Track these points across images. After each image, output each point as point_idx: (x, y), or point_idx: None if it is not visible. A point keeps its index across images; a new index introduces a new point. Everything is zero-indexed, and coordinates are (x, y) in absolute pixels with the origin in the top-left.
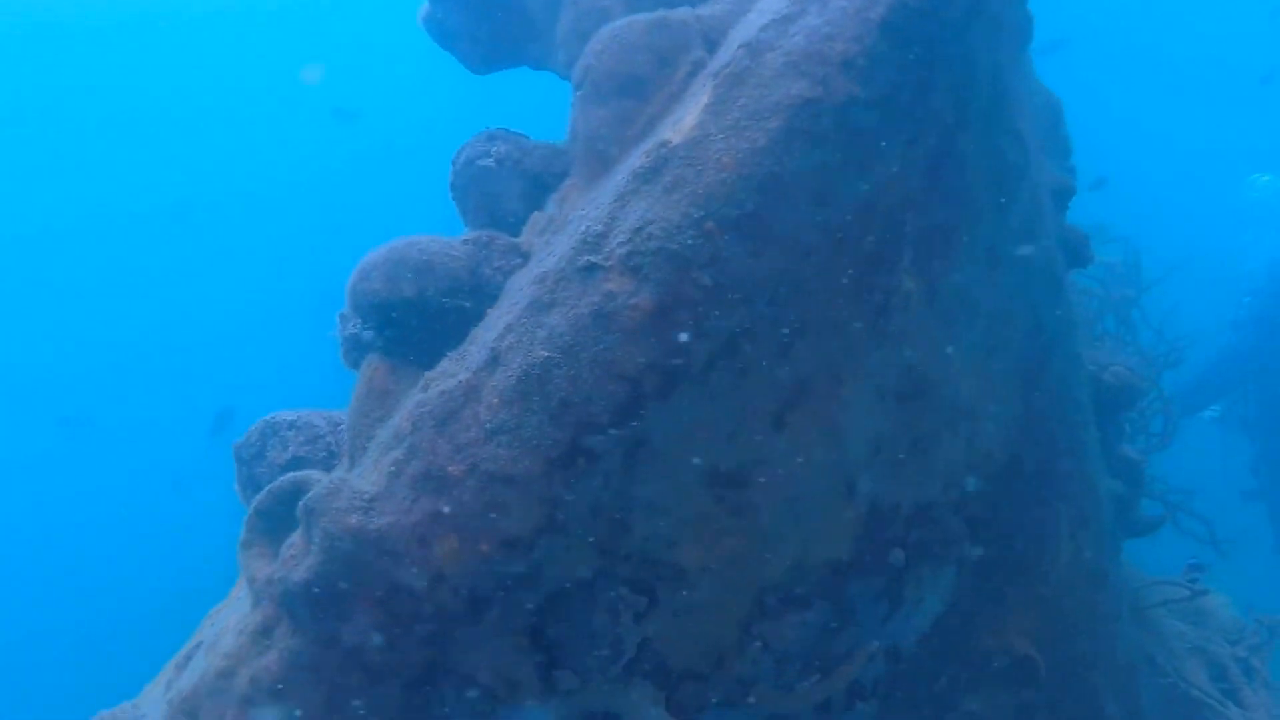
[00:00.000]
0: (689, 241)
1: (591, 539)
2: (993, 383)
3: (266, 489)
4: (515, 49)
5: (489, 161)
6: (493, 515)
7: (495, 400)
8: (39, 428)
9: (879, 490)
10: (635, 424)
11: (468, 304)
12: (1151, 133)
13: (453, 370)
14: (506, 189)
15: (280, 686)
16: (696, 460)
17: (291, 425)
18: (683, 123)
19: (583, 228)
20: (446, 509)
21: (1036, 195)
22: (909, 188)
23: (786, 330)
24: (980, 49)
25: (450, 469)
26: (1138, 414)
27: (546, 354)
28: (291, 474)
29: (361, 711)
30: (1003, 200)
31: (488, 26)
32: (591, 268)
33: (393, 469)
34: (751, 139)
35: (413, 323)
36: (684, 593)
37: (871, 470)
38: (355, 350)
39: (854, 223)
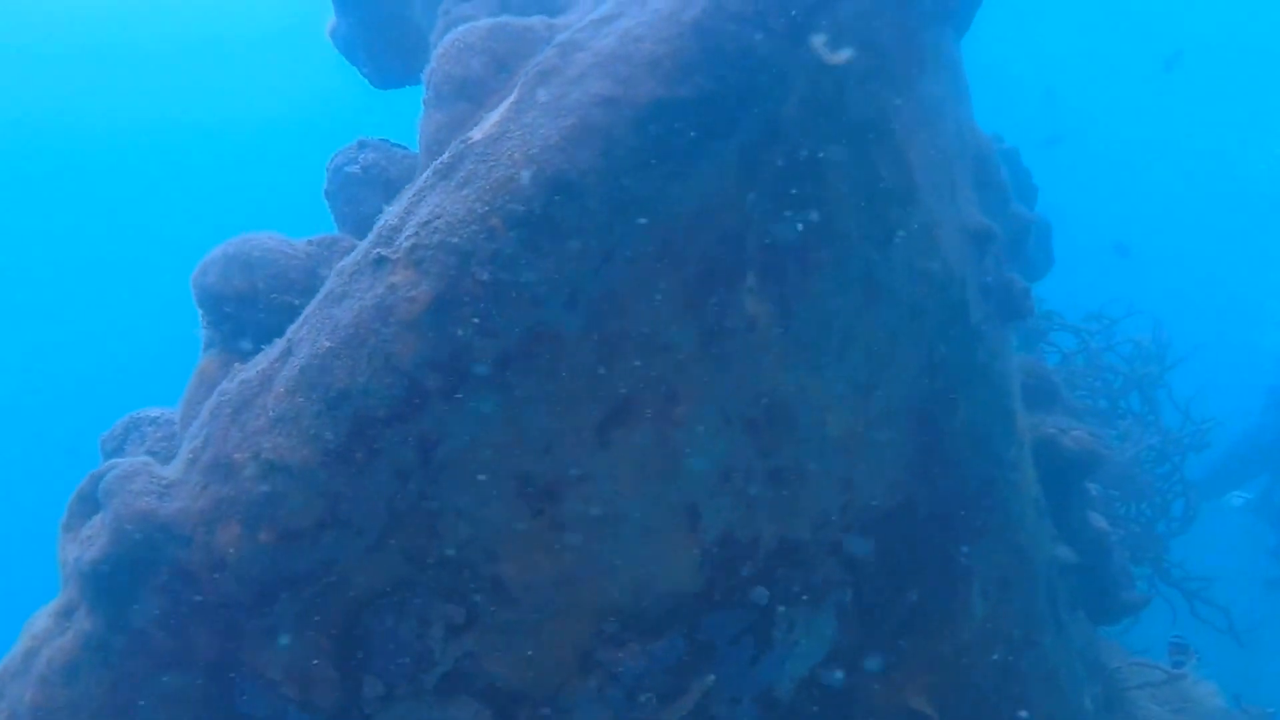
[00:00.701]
0: (471, 236)
1: (394, 542)
2: (874, 421)
3: (89, 473)
4: (408, 63)
5: (355, 169)
6: (272, 505)
7: (281, 389)
8: None
9: (732, 521)
10: (419, 422)
11: (297, 301)
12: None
13: (259, 361)
14: (369, 195)
15: (72, 668)
16: (507, 469)
17: (153, 421)
18: (487, 121)
19: (380, 222)
20: (230, 496)
21: (932, 231)
22: (744, 203)
23: (596, 339)
24: (837, 68)
25: (236, 456)
26: (1159, 496)
27: (329, 344)
28: (113, 460)
29: (144, 701)
30: (880, 230)
31: (381, 41)
32: (381, 261)
33: (190, 456)
34: (545, 136)
35: (244, 317)
36: (508, 609)
37: (721, 499)
38: (206, 345)
39: (671, 233)
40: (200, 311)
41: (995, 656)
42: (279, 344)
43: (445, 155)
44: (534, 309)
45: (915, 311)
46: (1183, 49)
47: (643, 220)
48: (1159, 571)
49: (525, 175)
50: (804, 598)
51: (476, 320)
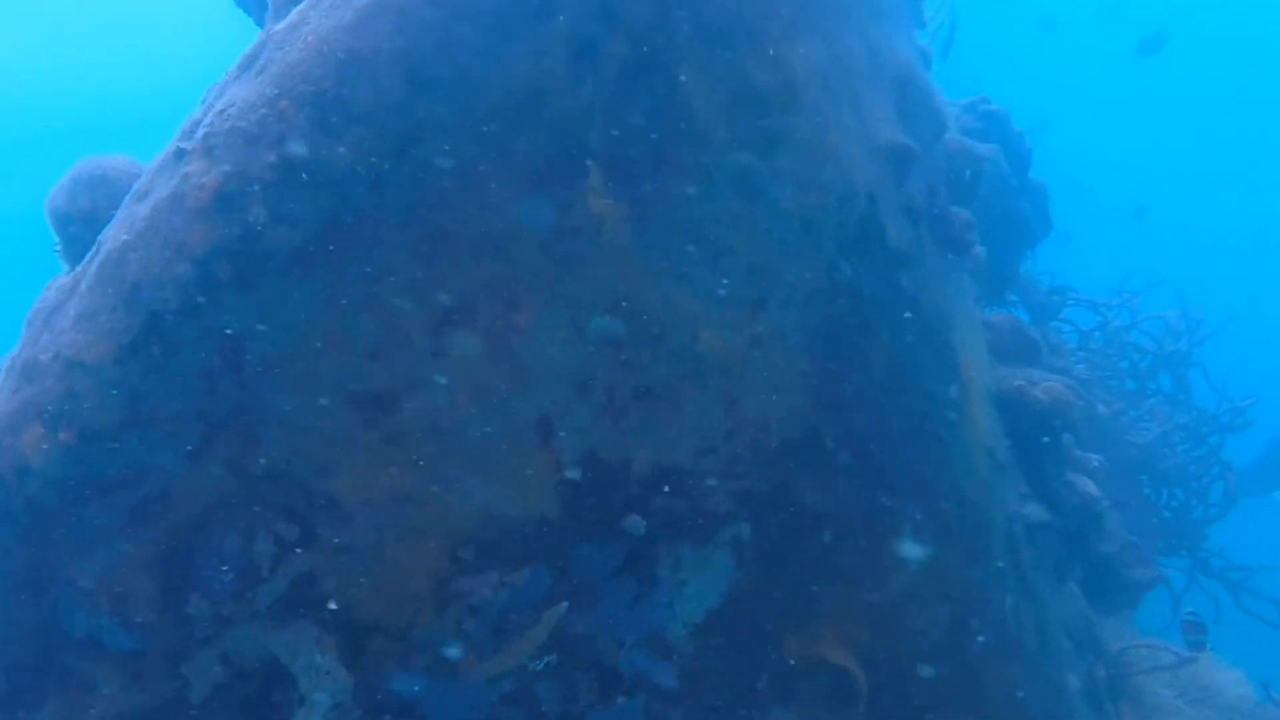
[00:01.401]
0: (260, 120)
1: (215, 452)
2: (762, 341)
3: None
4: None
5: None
6: (70, 402)
7: (84, 288)
8: None
9: (595, 441)
10: (216, 316)
11: None
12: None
13: (78, 270)
14: None
15: None
16: (331, 376)
17: None
18: (295, 10)
19: (187, 118)
20: (33, 397)
21: (825, 140)
22: (582, 92)
23: (417, 234)
24: None
25: (41, 357)
26: (1194, 481)
27: (126, 238)
28: None
29: None
30: (757, 134)
31: None
32: (180, 153)
33: (9, 364)
34: (340, 17)
35: (89, 238)
36: (344, 528)
37: (578, 416)
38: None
39: (490, 119)
40: (55, 236)
41: (940, 612)
42: (94, 248)
43: (249, 47)
44: (330, 194)
45: (807, 225)
46: (1164, 31)
47: (449, 102)
48: (1197, 561)
49: (315, 56)
50: (690, 531)
51: (267, 205)
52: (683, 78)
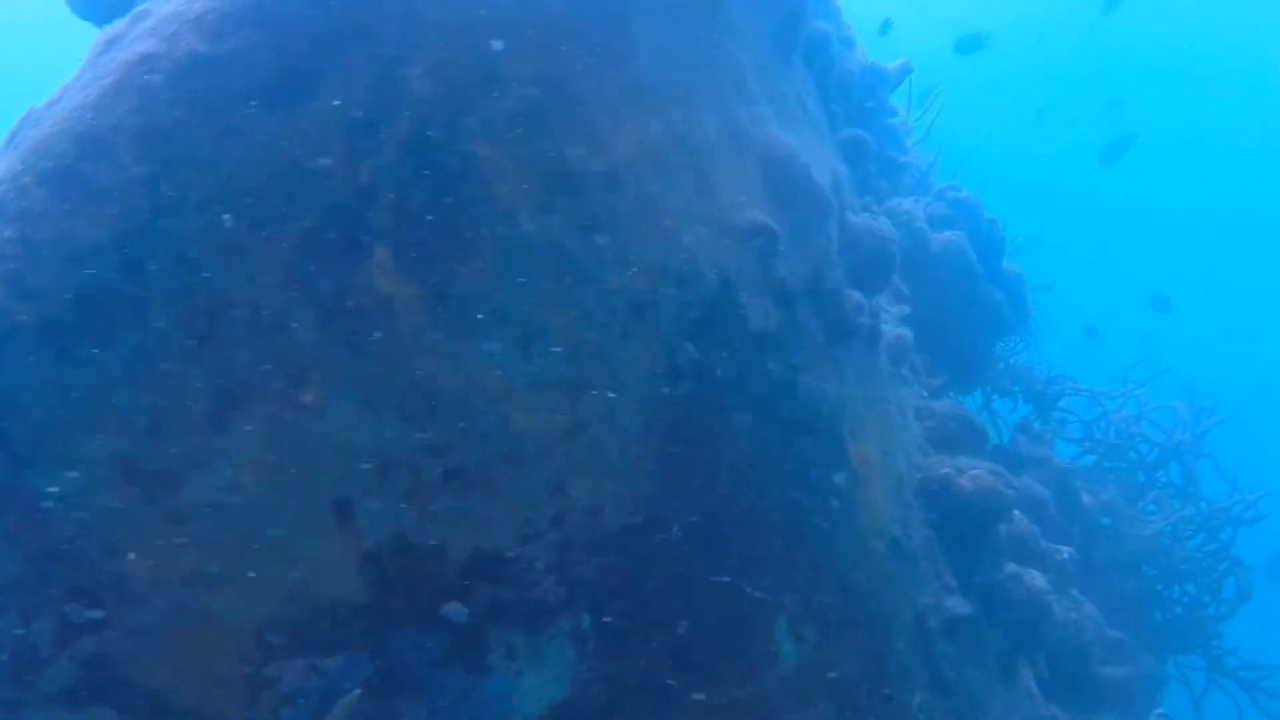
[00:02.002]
0: (2, 195)
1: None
2: (590, 425)
3: None
4: None
5: None
6: None
7: None
8: None
9: (404, 525)
10: None
11: None
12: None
13: None
14: None
15: None
16: (107, 451)
17: None
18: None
19: None
20: None
21: (660, 221)
22: (362, 171)
23: (186, 310)
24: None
25: None
26: (1205, 575)
27: None
28: None
29: None
30: (575, 213)
31: None
32: None
33: None
34: (85, 95)
35: None
36: (139, 609)
37: (381, 498)
38: None
39: (251, 199)
40: None
41: (823, 709)
42: None
43: (14, 124)
44: (75, 268)
45: (638, 306)
46: (1133, 133)
47: (200, 180)
48: (1211, 660)
49: (59, 132)
50: (521, 620)
51: (7, 282)
52: (481, 156)
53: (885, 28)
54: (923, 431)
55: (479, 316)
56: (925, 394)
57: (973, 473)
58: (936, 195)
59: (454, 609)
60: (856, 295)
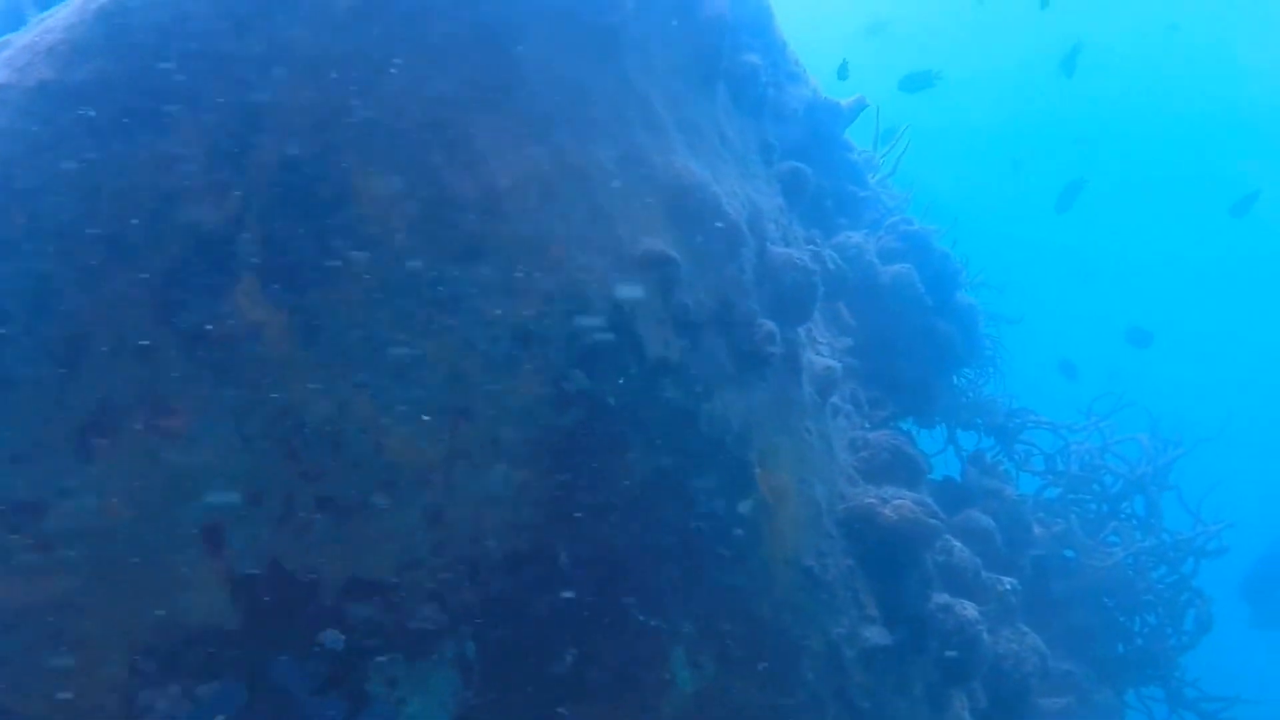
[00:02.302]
0: None
1: None
2: (470, 453)
3: None
4: None
5: None
6: None
7: None
8: None
9: (278, 552)
10: None
11: None
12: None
13: None
14: None
15: None
16: None
17: None
18: None
19: None
20: None
21: (545, 252)
22: (228, 199)
23: (45, 337)
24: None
25: None
26: (1165, 606)
27: None
28: None
29: None
30: (455, 242)
31: None
32: None
33: None
34: None
35: None
36: (6, 637)
37: (253, 525)
38: None
39: (109, 227)
40: None
41: None
42: None
43: None
44: None
45: (523, 334)
46: (1084, 179)
47: (55, 208)
48: (1171, 691)
49: None
50: (401, 647)
51: None
52: (354, 185)
53: (843, 71)
54: (858, 462)
55: (352, 344)
56: (868, 425)
57: (897, 503)
58: (888, 229)
59: (331, 636)
60: (768, 325)
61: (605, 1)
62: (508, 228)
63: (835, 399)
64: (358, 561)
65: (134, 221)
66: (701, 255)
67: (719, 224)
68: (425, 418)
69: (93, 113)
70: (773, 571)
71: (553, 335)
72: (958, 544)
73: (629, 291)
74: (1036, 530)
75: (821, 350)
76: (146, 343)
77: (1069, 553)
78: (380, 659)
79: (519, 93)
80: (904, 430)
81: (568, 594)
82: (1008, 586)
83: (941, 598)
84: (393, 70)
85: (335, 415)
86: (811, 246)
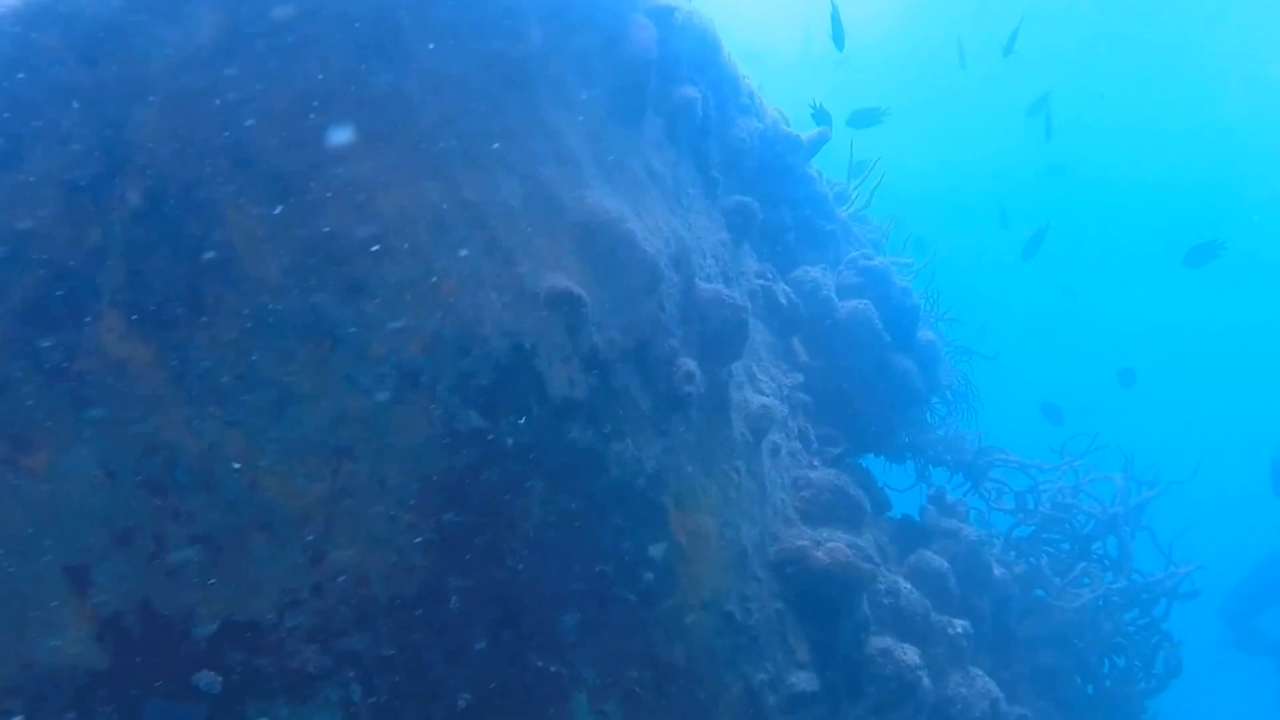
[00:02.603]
0: None
1: None
2: (354, 492)
3: None
4: None
5: None
6: None
7: None
8: None
9: (148, 591)
10: None
11: None
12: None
13: None
14: None
15: None
16: None
17: None
18: None
19: None
20: None
21: (431, 286)
22: (90, 233)
23: None
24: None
25: None
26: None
27: None
28: None
29: None
30: (336, 280)
31: None
32: None
33: None
34: None
35: None
36: None
37: (119, 564)
38: None
39: None
40: None
41: None
42: None
43: None
44: None
45: (410, 373)
46: (1044, 228)
47: None
48: None
49: None
50: (282, 690)
51: None
52: (227, 219)
53: (821, 116)
54: (800, 502)
55: (223, 381)
56: (817, 463)
57: (830, 546)
58: (849, 264)
59: (206, 678)
60: (687, 364)
61: (509, 35)
62: (393, 265)
63: (777, 437)
64: (234, 602)
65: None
66: (615, 292)
67: (634, 260)
68: (305, 457)
69: None
70: (687, 617)
71: (443, 374)
72: (906, 586)
73: (532, 330)
74: (997, 571)
75: (763, 387)
76: (4, 377)
77: (1039, 592)
78: (260, 702)
79: (408, 127)
80: (862, 467)
81: (460, 637)
82: (959, 629)
83: (883, 641)
84: (263, 108)
85: (206, 453)
86: (762, 281)
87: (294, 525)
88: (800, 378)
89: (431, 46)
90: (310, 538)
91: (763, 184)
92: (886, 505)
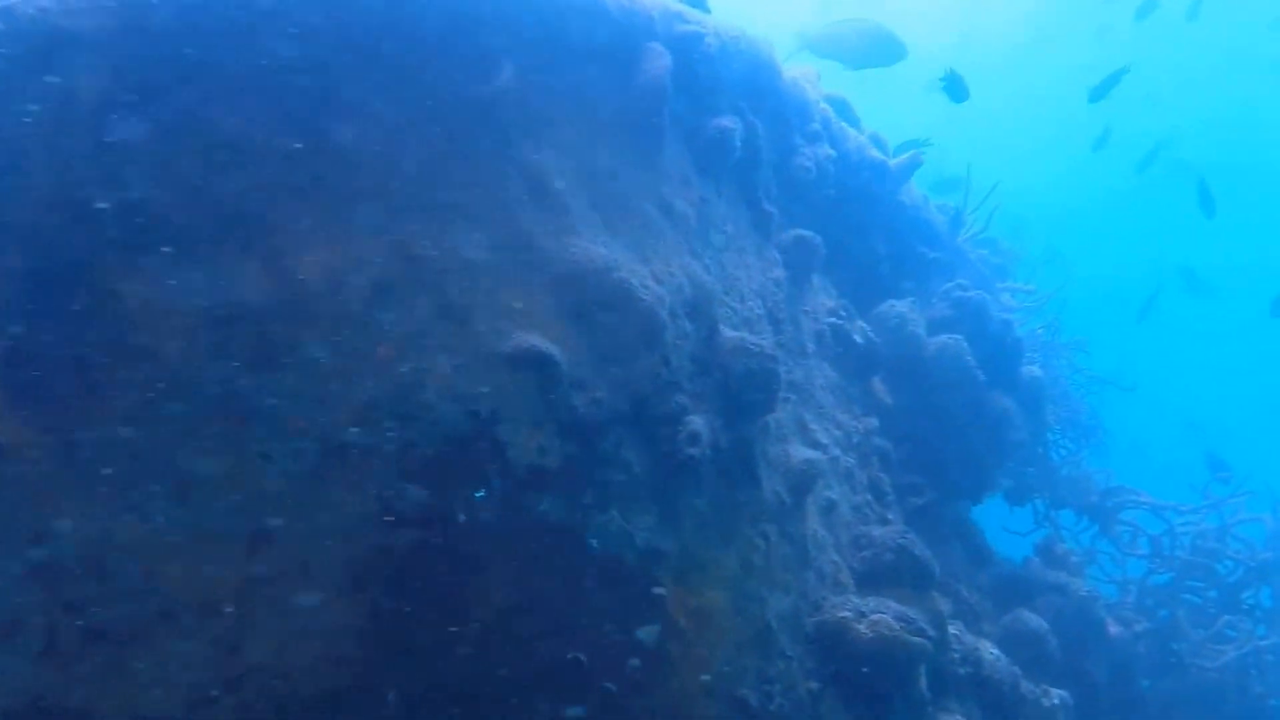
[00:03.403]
0: None
1: None
2: (274, 579)
3: None
4: None
5: None
6: None
7: None
8: None
9: (40, 688)
10: None
11: None
12: None
13: None
14: None
15: None
16: None
17: None
18: None
19: None
20: None
21: (364, 356)
22: None
23: None
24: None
25: None
26: None
27: None
28: None
29: None
30: (243, 351)
31: None
32: None
33: None
34: None
35: None
36: None
37: (13, 656)
38: None
39: None
40: None
41: None
42: None
43: None
44: None
45: (337, 448)
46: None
47: None
48: None
49: None
50: None
51: None
52: (121, 291)
53: (954, 86)
54: (860, 563)
55: (120, 463)
56: (892, 516)
57: (875, 618)
58: (941, 295)
59: None
60: (693, 424)
61: (472, 74)
62: (317, 330)
63: (834, 493)
64: (138, 699)
65: None
66: (605, 347)
67: (629, 311)
68: (213, 542)
69: None
70: (687, 706)
71: (378, 446)
72: (992, 653)
73: (495, 394)
74: (1114, 629)
75: (819, 438)
76: None
77: (1178, 648)
78: None
79: (342, 180)
80: (955, 516)
81: None
82: (1055, 700)
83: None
84: (162, 167)
85: (99, 540)
86: (834, 320)
87: (203, 616)
88: (875, 422)
89: (375, 91)
90: (222, 629)
91: (845, 214)
92: (987, 558)
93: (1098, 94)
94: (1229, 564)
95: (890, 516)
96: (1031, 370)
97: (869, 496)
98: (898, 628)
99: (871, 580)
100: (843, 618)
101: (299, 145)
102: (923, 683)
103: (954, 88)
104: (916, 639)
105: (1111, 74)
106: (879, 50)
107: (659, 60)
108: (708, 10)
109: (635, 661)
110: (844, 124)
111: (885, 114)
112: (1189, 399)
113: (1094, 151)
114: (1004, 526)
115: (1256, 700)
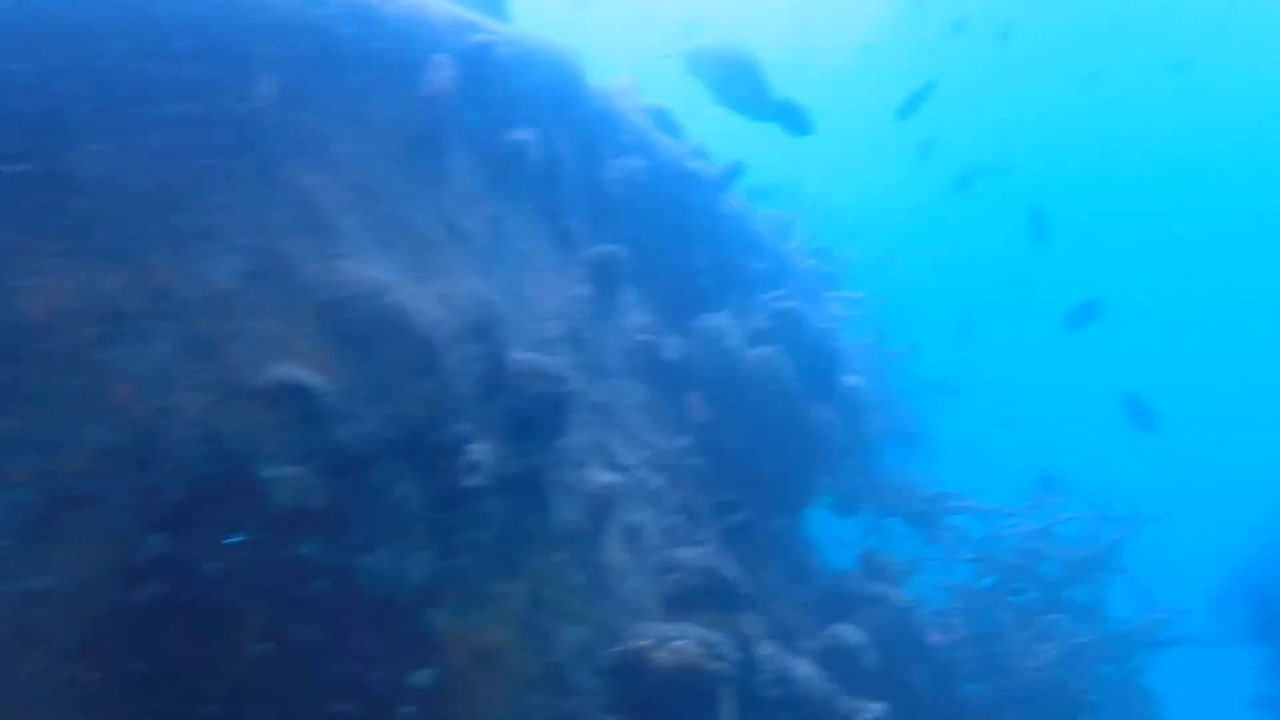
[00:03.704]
0: None
1: None
2: None
3: None
4: None
5: None
6: None
7: None
8: None
9: None
10: None
11: None
12: None
13: None
14: None
15: None
16: None
17: None
18: None
19: None
20: None
21: (91, 394)
22: None
23: None
24: None
25: None
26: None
27: None
28: None
29: None
30: None
31: None
32: None
33: None
34: None
35: None
36: None
37: None
38: None
39: None
40: None
41: None
42: None
43: None
44: None
45: (67, 500)
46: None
47: None
48: None
49: None
50: None
51: None
52: None
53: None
54: (669, 587)
55: None
56: (705, 537)
57: (676, 644)
58: (760, 306)
59: None
60: (475, 452)
61: (231, 88)
62: (41, 371)
63: (641, 516)
64: None
65: None
66: (377, 376)
67: (403, 337)
68: None
69: None
70: None
71: (112, 494)
72: (806, 670)
73: (246, 432)
74: (935, 637)
75: (623, 460)
76: None
77: (999, 649)
78: None
79: (71, 213)
80: (775, 531)
81: None
82: (872, 715)
83: None
84: None
85: None
86: (645, 336)
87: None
88: (687, 440)
89: (115, 111)
90: None
91: (662, 226)
92: (809, 573)
93: (906, 111)
94: (1050, 564)
95: (703, 537)
96: (853, 379)
97: (680, 518)
98: (699, 653)
99: (680, 605)
100: (642, 646)
101: (25, 167)
102: (729, 707)
103: (792, 120)
104: (715, 664)
105: (918, 90)
106: (740, 85)
107: (441, 72)
108: (508, 19)
109: (409, 709)
110: (662, 135)
111: (722, 122)
112: (1008, 401)
113: (918, 164)
114: (837, 538)
115: (1076, 695)
